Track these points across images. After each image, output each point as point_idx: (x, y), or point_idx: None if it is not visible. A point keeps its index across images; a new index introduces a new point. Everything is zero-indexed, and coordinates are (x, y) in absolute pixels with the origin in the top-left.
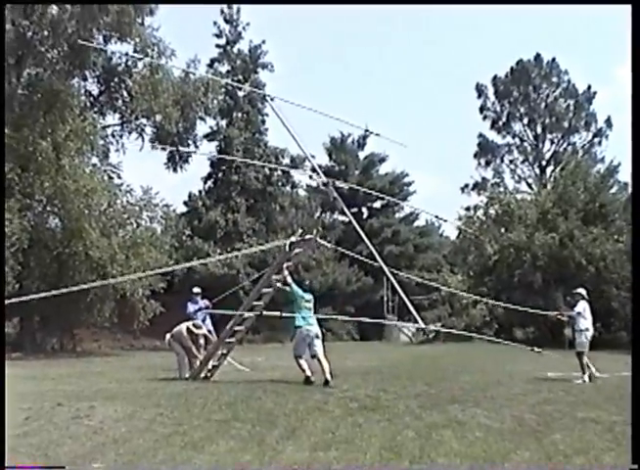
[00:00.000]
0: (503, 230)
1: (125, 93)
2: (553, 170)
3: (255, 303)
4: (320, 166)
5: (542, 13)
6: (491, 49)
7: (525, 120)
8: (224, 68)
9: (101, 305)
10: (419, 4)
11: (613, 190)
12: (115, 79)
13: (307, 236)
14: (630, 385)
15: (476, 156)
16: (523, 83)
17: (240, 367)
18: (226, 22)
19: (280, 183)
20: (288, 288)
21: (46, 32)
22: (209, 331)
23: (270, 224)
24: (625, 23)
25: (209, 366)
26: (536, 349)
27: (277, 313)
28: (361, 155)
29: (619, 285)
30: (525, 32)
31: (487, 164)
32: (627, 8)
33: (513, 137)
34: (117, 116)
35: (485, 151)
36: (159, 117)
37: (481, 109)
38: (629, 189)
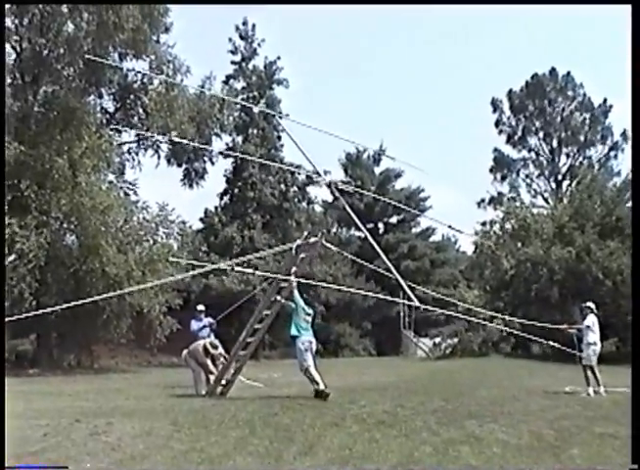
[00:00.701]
0: (519, 245)
1: (141, 110)
2: (569, 184)
3: (266, 311)
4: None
5: (557, 26)
6: (506, 63)
7: (541, 135)
8: (240, 84)
9: (118, 322)
10: (434, 20)
11: (629, 204)
12: (131, 96)
13: (313, 239)
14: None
15: (491, 170)
16: (538, 97)
17: (253, 384)
18: (241, 38)
19: (296, 199)
20: (292, 300)
21: (62, 50)
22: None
23: (287, 240)
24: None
25: (224, 381)
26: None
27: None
28: (377, 170)
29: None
30: (540, 46)
31: (503, 178)
32: (628, 8)
33: (529, 151)
34: (133, 132)
35: (501, 165)
36: (174, 134)
37: (497, 123)
38: None
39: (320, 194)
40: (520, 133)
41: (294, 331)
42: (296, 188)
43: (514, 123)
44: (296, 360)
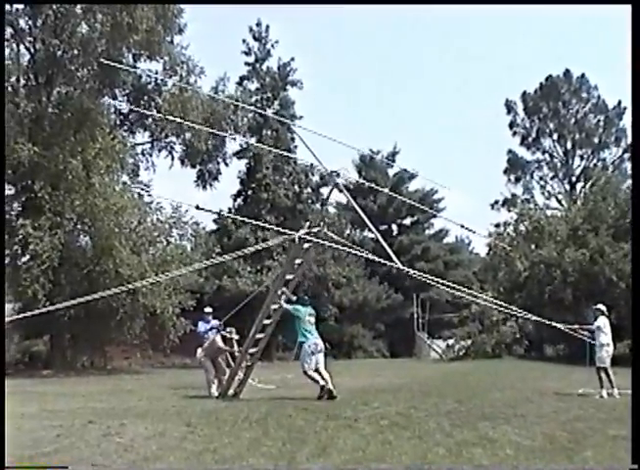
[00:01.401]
0: (533, 246)
1: (155, 111)
2: (583, 186)
3: (273, 306)
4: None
5: (572, 28)
6: (521, 65)
7: (555, 136)
8: (253, 85)
9: (131, 323)
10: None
11: None
12: (145, 97)
13: (315, 229)
14: None
15: (505, 172)
16: (552, 99)
17: (265, 387)
18: (255, 39)
19: (310, 201)
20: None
21: (76, 51)
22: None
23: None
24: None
25: (236, 380)
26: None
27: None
28: (390, 172)
29: None
30: (555, 48)
31: (517, 180)
32: (628, 8)
33: (543, 153)
34: (147, 134)
35: (515, 167)
36: (188, 135)
37: (511, 125)
38: None
39: (334, 195)
40: (534, 135)
41: (301, 337)
42: (309, 189)
43: (528, 125)
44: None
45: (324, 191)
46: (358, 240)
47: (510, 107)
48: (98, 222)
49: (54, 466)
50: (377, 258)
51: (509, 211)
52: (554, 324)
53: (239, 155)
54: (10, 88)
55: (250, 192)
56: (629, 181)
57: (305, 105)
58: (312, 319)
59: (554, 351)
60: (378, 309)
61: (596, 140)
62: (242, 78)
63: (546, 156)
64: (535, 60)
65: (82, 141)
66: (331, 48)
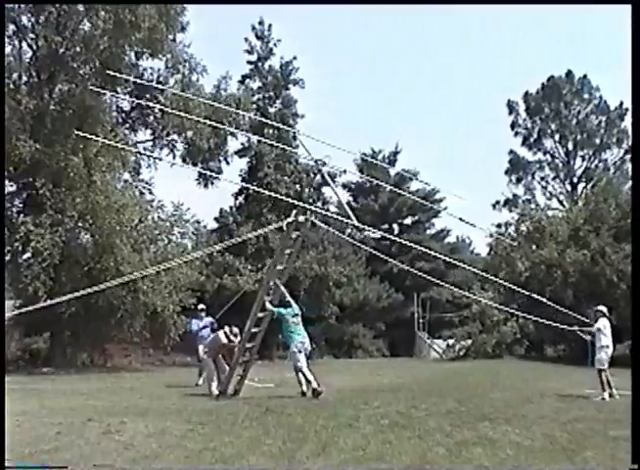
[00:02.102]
0: (534, 247)
1: (157, 109)
2: (584, 187)
3: (266, 297)
4: (351, 183)
5: (574, 28)
6: (522, 65)
7: (557, 137)
8: (255, 84)
9: (131, 321)
10: (451, 22)
11: None
12: (147, 95)
13: (302, 217)
14: None
15: (507, 172)
16: (554, 100)
17: (263, 386)
18: (257, 38)
19: (311, 200)
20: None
21: (78, 48)
22: None
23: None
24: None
25: (236, 376)
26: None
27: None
28: (392, 171)
29: None
30: (557, 49)
31: (519, 180)
32: (628, 8)
33: (544, 154)
34: (149, 132)
35: (517, 167)
36: (190, 133)
37: (513, 125)
38: None
39: (335, 196)
40: (535, 135)
41: (287, 338)
42: (311, 189)
43: (529, 126)
44: (309, 361)
45: (325, 191)
46: (359, 239)
47: (512, 107)
48: (99, 220)
49: (54, 466)
50: (360, 224)
51: (510, 211)
52: (557, 325)
53: (240, 153)
54: (12, 85)
55: (251, 190)
56: (630, 182)
57: (310, 103)
58: (297, 319)
59: (554, 351)
60: (378, 309)
61: (597, 141)
62: (244, 77)
63: (547, 156)
64: (537, 60)
65: (84, 138)
66: (333, 47)
